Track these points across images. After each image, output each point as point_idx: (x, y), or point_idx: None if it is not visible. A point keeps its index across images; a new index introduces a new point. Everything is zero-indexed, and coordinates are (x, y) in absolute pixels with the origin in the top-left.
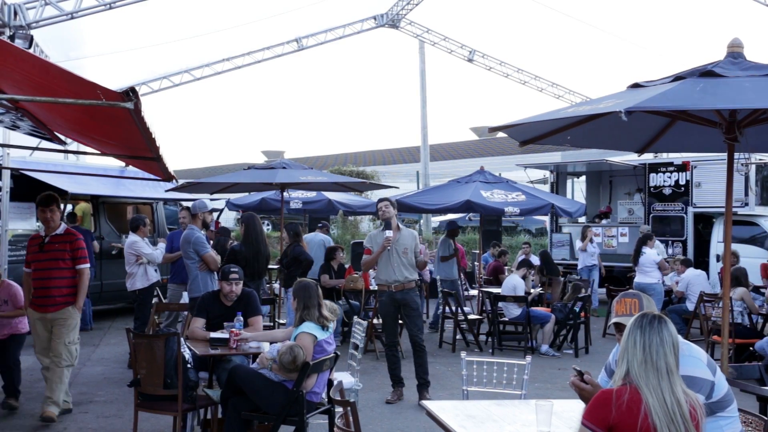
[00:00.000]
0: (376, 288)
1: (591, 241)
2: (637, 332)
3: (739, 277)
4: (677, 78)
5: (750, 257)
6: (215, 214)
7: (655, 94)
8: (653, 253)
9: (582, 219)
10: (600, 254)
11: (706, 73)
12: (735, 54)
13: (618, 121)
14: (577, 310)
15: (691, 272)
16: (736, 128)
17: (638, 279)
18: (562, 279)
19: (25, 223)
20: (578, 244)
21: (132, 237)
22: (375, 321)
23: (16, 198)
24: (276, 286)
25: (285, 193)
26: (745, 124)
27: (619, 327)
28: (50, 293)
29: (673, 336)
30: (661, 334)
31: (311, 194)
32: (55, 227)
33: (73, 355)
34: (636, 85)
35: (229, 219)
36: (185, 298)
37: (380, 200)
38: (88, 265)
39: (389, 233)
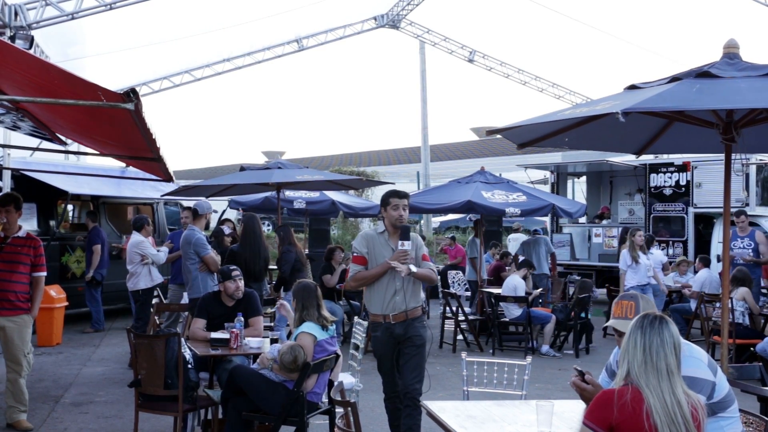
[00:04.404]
0: None
1: (644, 250)
2: (637, 333)
3: (741, 278)
4: (674, 79)
5: None
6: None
7: (652, 95)
8: (660, 253)
9: (582, 219)
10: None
11: (702, 74)
12: (731, 55)
13: (616, 123)
14: (583, 315)
15: (706, 273)
16: (733, 129)
17: None
18: (562, 279)
19: (26, 223)
20: (625, 256)
21: (137, 237)
22: None
23: None
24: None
25: (288, 193)
26: (742, 124)
27: (616, 329)
28: (7, 296)
29: (675, 337)
30: (661, 335)
31: (314, 195)
32: (13, 229)
33: (31, 365)
34: (633, 87)
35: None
36: (186, 299)
37: (396, 194)
38: (45, 273)
39: (407, 245)
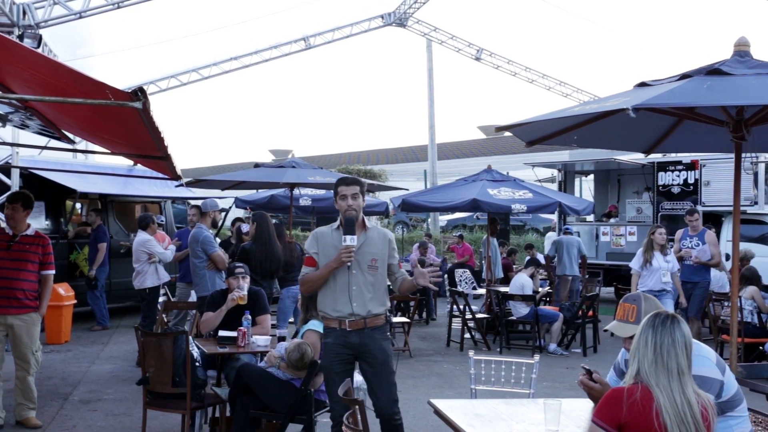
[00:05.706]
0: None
1: (663, 251)
2: (648, 332)
3: (750, 276)
4: (684, 76)
5: (759, 256)
6: (223, 214)
7: (663, 91)
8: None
9: (590, 218)
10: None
11: (713, 71)
12: (742, 52)
13: (625, 121)
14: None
15: (715, 271)
16: (744, 127)
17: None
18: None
19: (35, 221)
20: (638, 257)
21: (143, 235)
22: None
23: None
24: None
25: (295, 191)
26: (753, 122)
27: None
28: (15, 294)
29: (686, 336)
30: (673, 335)
31: (320, 192)
32: (20, 227)
33: (39, 363)
34: (643, 84)
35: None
36: (194, 297)
37: (343, 182)
38: (53, 271)
39: (351, 240)
